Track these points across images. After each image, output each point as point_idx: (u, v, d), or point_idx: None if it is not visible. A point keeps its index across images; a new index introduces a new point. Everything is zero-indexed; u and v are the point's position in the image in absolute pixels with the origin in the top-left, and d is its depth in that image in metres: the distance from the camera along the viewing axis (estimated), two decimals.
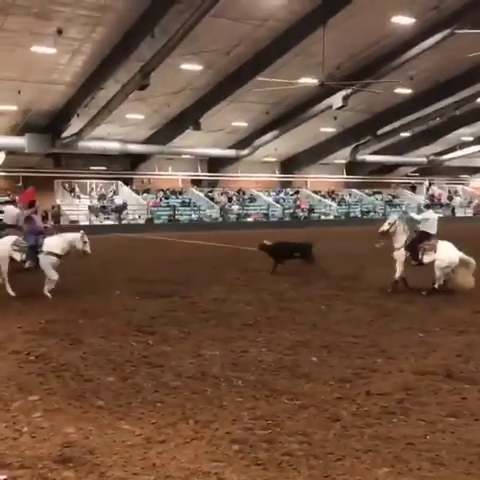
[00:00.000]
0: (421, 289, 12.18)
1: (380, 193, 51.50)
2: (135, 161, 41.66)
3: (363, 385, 6.52)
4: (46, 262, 12.23)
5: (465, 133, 47.41)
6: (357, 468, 4.61)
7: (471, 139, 48.92)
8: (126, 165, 41.45)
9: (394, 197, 51.31)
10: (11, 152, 35.60)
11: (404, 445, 4.99)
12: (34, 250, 12.25)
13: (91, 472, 4.55)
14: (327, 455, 4.81)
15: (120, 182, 41.37)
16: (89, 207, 38.32)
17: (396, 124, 41.86)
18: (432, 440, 5.11)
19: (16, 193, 35.71)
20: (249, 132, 40.82)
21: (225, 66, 31.04)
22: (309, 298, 11.89)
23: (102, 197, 40.17)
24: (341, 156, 46.50)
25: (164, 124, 37.54)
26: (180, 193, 43.56)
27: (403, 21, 27.50)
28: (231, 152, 42.43)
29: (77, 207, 38.17)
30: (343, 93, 32.25)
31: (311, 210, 45.36)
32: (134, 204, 39.69)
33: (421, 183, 53.37)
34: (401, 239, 12.52)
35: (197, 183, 45.50)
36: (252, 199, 45.37)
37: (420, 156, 50.04)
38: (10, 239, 12.42)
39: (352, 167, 49.69)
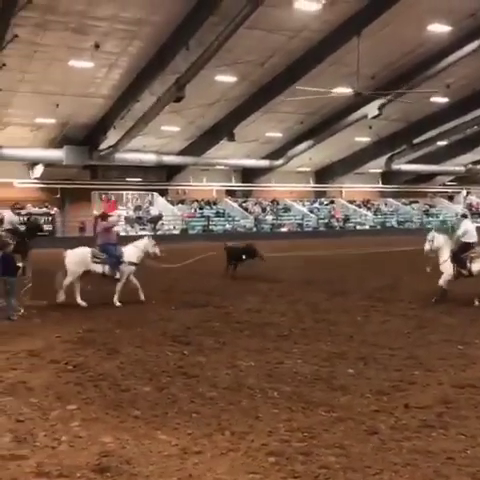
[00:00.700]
0: (462, 300, 11.99)
1: (417, 202, 50.86)
2: (170, 172, 42.01)
3: (401, 398, 6.42)
4: (127, 272, 12.65)
5: None
6: None
7: None
8: (161, 176, 41.83)
9: (431, 207, 50.60)
10: (49, 164, 36.28)
11: (444, 460, 4.90)
12: (118, 261, 12.54)
13: None
14: (365, 468, 4.75)
15: (156, 193, 41.77)
16: (125, 218, 38.76)
17: (432, 133, 41.32)
18: (473, 455, 5.00)
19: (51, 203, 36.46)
20: (283, 142, 40.81)
21: (259, 77, 31.14)
22: (345, 309, 11.78)
23: (138, 208, 40.62)
24: (376, 165, 46.09)
25: (199, 135, 37.82)
26: (214, 204, 43.75)
27: (439, 29, 27.19)
28: (265, 162, 42.47)
29: (113, 218, 38.56)
30: (378, 102, 32.01)
31: (346, 220, 45.05)
32: (169, 215, 40.01)
33: (458, 192, 52.53)
34: (445, 251, 12.41)
35: (231, 193, 45.63)
36: (286, 209, 45.29)
37: (457, 165, 49.27)
38: (87, 251, 12.52)
39: (388, 176, 49.20)
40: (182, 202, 42.72)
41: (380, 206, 48.88)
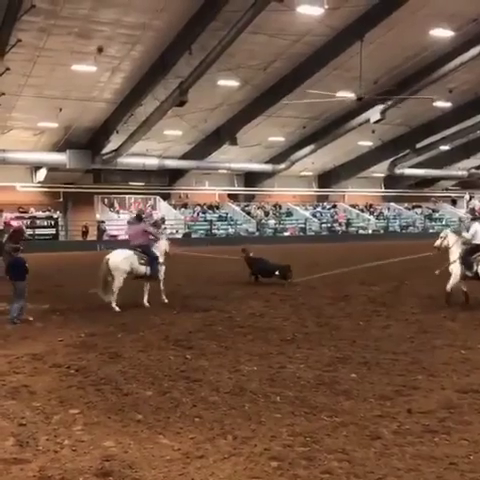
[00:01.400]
0: (465, 305, 11.97)
1: (419, 207, 50.84)
2: (173, 176, 42.10)
3: (404, 403, 6.40)
4: (162, 271, 13.12)
5: None
6: None
7: None
8: (164, 180, 41.91)
9: (434, 211, 50.58)
10: (52, 168, 36.37)
11: (447, 465, 4.87)
12: (157, 262, 12.95)
13: None
14: (367, 474, 4.73)
15: (158, 197, 41.83)
16: (128, 222, 38.79)
17: (435, 137, 41.37)
18: (476, 460, 4.97)
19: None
20: (286, 147, 40.89)
21: (262, 82, 31.21)
22: (347, 314, 11.76)
23: (141, 212, 40.64)
24: (379, 170, 46.15)
25: (201, 139, 37.90)
26: (217, 208, 43.79)
27: (442, 34, 27.25)
28: (268, 167, 42.53)
29: (116, 222, 38.69)
30: (381, 107, 32.08)
31: (349, 224, 45.04)
32: (172, 219, 40.05)
33: (462, 197, 52.50)
34: (456, 252, 12.40)
35: (234, 198, 45.68)
36: (289, 213, 45.32)
37: (460, 169, 49.30)
38: (130, 252, 12.65)
39: (390, 181, 49.23)
40: (185, 206, 42.78)
41: (383, 210, 48.88)
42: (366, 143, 42.20)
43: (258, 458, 5.04)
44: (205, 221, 41.24)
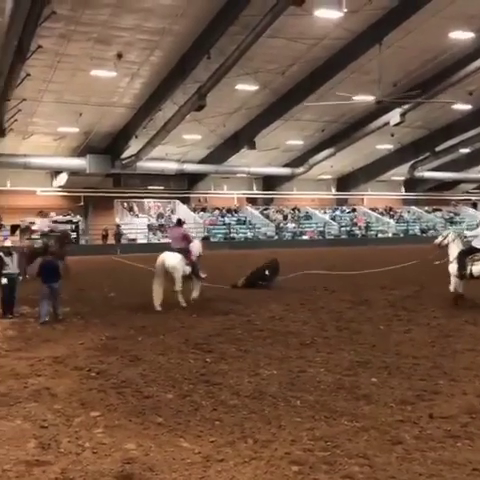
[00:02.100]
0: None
1: (440, 210, 50.43)
2: (192, 180, 42.26)
3: (425, 408, 6.34)
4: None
5: None
6: None
7: None
8: (183, 184, 42.08)
9: (455, 214, 50.12)
10: (73, 173, 36.70)
11: (469, 471, 4.82)
12: (197, 262, 13.65)
13: None
14: (389, 479, 4.69)
15: (177, 201, 42.00)
16: (148, 226, 39.04)
17: (455, 140, 41.03)
18: None
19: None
20: (304, 150, 40.84)
21: (280, 85, 31.23)
22: (368, 318, 11.69)
23: (160, 216, 40.87)
24: (399, 173, 45.88)
25: (220, 144, 38.00)
26: (235, 211, 43.84)
27: (461, 36, 27.04)
28: (286, 170, 42.50)
29: (136, 226, 38.95)
30: (400, 109, 31.89)
31: (368, 228, 44.82)
32: (191, 222, 40.15)
33: None
34: (455, 252, 12.60)
35: (252, 201, 45.71)
36: (307, 217, 45.22)
37: None
38: (178, 254, 13.17)
39: (410, 184, 48.92)
40: (204, 210, 42.89)
41: (403, 214, 48.56)
42: (385, 146, 41.99)
43: (279, 462, 5.03)
44: (224, 225, 41.31)
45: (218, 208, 43.26)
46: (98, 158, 35.50)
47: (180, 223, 14.88)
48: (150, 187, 40.54)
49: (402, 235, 44.74)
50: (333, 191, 48.36)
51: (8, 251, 12.64)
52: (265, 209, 44.97)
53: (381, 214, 47.65)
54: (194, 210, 42.23)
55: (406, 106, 31.37)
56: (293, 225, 43.29)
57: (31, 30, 21.84)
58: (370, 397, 6.71)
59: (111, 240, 36.54)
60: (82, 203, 38.82)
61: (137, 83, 29.42)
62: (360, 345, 9.28)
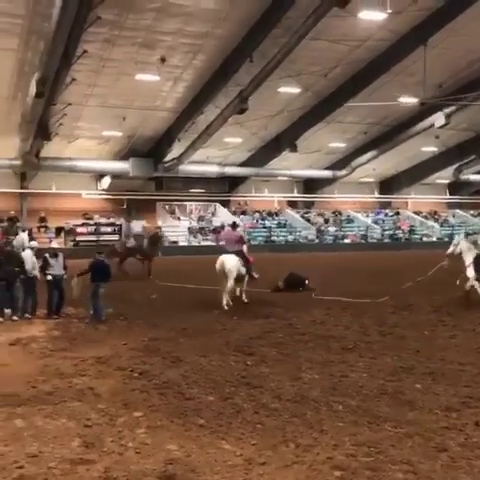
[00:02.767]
0: None
1: None
2: (232, 183, 42.33)
3: (471, 415, 6.21)
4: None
5: None
6: None
7: None
8: (224, 187, 42.20)
9: None
10: (116, 176, 37.21)
11: None
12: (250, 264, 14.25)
13: None
14: None
15: (218, 204, 42.16)
16: (188, 228, 39.29)
17: None
18: None
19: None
20: (346, 153, 40.47)
21: (322, 88, 31.04)
22: (412, 323, 11.50)
23: (201, 219, 41.10)
24: (443, 176, 45.03)
25: (261, 146, 37.97)
26: (276, 214, 43.75)
27: None
28: (328, 173, 42.19)
29: (177, 228, 39.23)
30: (446, 111, 31.31)
31: (412, 231, 44.13)
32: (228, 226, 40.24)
33: None
34: (469, 257, 13.17)
35: (293, 204, 45.53)
36: (349, 220, 44.79)
37: None
38: (236, 257, 13.72)
39: (455, 187, 47.90)
40: (244, 213, 42.92)
41: (448, 218, 47.67)
42: (429, 149, 41.27)
43: (321, 467, 4.99)
44: (264, 228, 41.27)
45: (258, 211, 43.24)
46: (141, 161, 35.91)
47: (235, 226, 15.48)
48: (191, 190, 40.80)
49: (447, 239, 43.85)
50: (375, 194, 47.76)
51: (54, 253, 12.90)
52: (306, 212, 44.73)
53: (425, 218, 46.85)
54: (234, 213, 42.30)
55: (451, 108, 30.80)
56: (334, 228, 42.94)
57: (77, 35, 22.26)
58: (414, 403, 6.61)
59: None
60: (125, 206, 39.31)
61: (180, 87, 29.65)
62: (404, 350, 9.14)
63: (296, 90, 30.44)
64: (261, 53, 25.30)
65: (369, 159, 39.01)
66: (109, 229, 35.69)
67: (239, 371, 7.99)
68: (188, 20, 24.01)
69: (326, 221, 43.70)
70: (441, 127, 32.71)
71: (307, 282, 16.82)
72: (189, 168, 37.21)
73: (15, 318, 12.29)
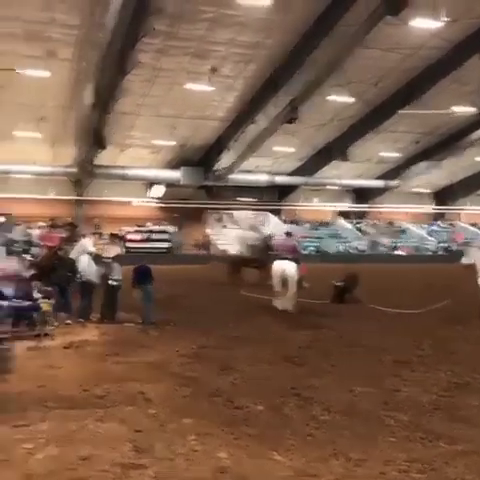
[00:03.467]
0: None
1: None
2: (282, 192, 42.28)
3: None
4: None
5: None
6: None
7: None
8: (274, 196, 42.18)
9: None
10: (167, 184, 37.71)
11: None
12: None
13: None
14: None
15: (268, 213, 42.14)
16: (238, 237, 39.38)
17: None
18: None
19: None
20: (399, 162, 39.92)
21: (374, 96, 30.76)
22: (465, 338, 11.18)
23: (251, 227, 41.10)
24: None
25: (311, 155, 37.85)
26: (327, 224, 43.42)
27: None
28: (379, 183, 41.68)
29: (226, 237, 39.39)
30: None
31: (467, 244, 43.06)
32: (282, 235, 40.05)
33: None
34: None
35: (344, 214, 45.11)
36: (402, 231, 44.02)
37: None
38: (294, 264, 14.12)
39: None
40: (295, 222, 42.74)
41: None
42: None
43: None
44: (315, 238, 40.97)
45: (309, 221, 43.02)
46: (191, 170, 36.30)
47: (289, 235, 16.62)
48: (241, 199, 40.92)
49: None
50: (429, 205, 46.83)
51: (112, 259, 13.22)
52: (357, 222, 44.23)
53: None
54: (284, 222, 42.17)
55: None
56: (387, 239, 42.24)
57: (131, 46, 22.76)
58: (470, 420, 6.42)
59: (203, 250, 37.13)
60: (176, 214, 39.74)
61: (231, 96, 29.88)
62: (458, 365, 8.89)
63: (347, 99, 30.24)
64: (312, 62, 25.27)
65: (422, 169, 38.38)
66: (160, 236, 36.13)
67: (289, 382, 7.93)
68: (240, 30, 24.21)
69: (378, 232, 42.98)
70: None
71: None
72: (239, 177, 37.39)
73: (69, 322, 12.56)
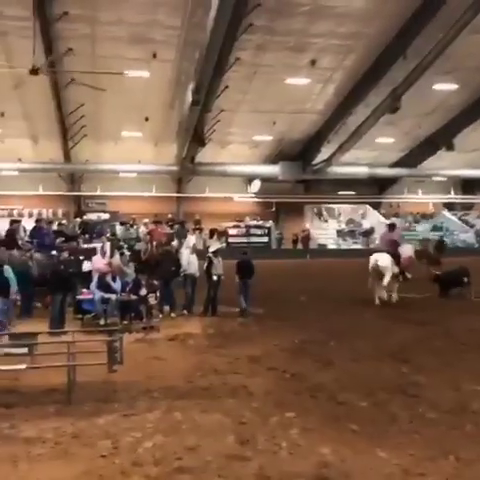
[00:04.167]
0: None
1: None
2: (383, 185, 41.26)
3: None
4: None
5: None
6: None
7: None
8: (374, 189, 41.24)
9: None
10: (265, 179, 37.82)
11: None
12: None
13: None
14: None
15: (368, 206, 41.30)
16: (337, 231, 38.94)
17: None
18: None
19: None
20: None
21: None
22: None
23: (350, 221, 40.52)
24: None
25: (414, 146, 36.63)
26: (431, 217, 41.96)
27: None
28: None
29: (326, 231, 39.06)
30: None
31: None
32: (382, 229, 39.17)
33: None
34: None
35: (449, 206, 43.36)
36: None
37: None
38: (388, 256, 14.26)
39: None
40: (396, 215, 41.61)
41: None
42: None
43: None
44: (418, 231, 39.69)
45: (411, 213, 41.73)
46: (290, 165, 36.12)
47: (392, 227, 16.43)
48: (340, 192, 40.35)
49: None
50: None
51: (213, 253, 13.49)
52: (464, 214, 42.36)
53: None
54: (385, 216, 41.15)
55: None
56: None
57: (230, 44, 22.94)
58: None
59: (300, 245, 37.00)
60: (274, 209, 39.82)
61: (330, 88, 29.44)
62: None
63: (452, 87, 28.96)
64: (415, 49, 24.39)
65: None
66: (259, 231, 36.39)
67: (393, 378, 7.74)
68: (339, 21, 23.75)
69: None
70: None
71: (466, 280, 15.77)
72: (338, 170, 36.75)
73: (173, 315, 12.92)
